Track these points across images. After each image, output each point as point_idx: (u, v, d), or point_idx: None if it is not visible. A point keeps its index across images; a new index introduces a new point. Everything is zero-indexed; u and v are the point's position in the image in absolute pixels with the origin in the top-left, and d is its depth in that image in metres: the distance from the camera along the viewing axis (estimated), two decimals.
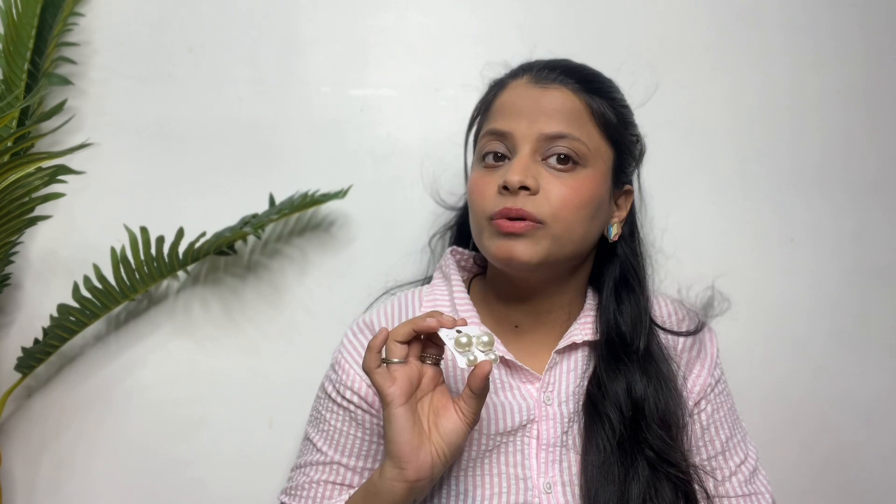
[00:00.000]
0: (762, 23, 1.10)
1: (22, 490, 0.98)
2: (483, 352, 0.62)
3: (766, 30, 1.10)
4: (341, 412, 0.77)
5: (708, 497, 0.74)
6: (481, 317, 0.79)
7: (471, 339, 0.62)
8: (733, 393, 0.83)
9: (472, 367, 0.61)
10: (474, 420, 0.63)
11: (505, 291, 0.78)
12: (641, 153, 0.83)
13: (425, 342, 0.65)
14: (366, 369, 0.62)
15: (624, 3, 1.08)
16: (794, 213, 1.10)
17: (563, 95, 0.72)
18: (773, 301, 1.09)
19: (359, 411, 0.76)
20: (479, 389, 0.61)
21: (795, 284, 1.10)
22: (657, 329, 0.79)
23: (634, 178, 0.81)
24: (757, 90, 1.10)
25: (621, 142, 0.76)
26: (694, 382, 0.79)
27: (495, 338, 0.67)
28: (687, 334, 0.80)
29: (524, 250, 0.69)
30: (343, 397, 0.76)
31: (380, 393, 0.61)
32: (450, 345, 0.62)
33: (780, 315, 1.09)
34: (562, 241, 0.70)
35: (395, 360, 0.62)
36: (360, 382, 0.76)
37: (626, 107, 0.79)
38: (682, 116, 1.08)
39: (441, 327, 0.62)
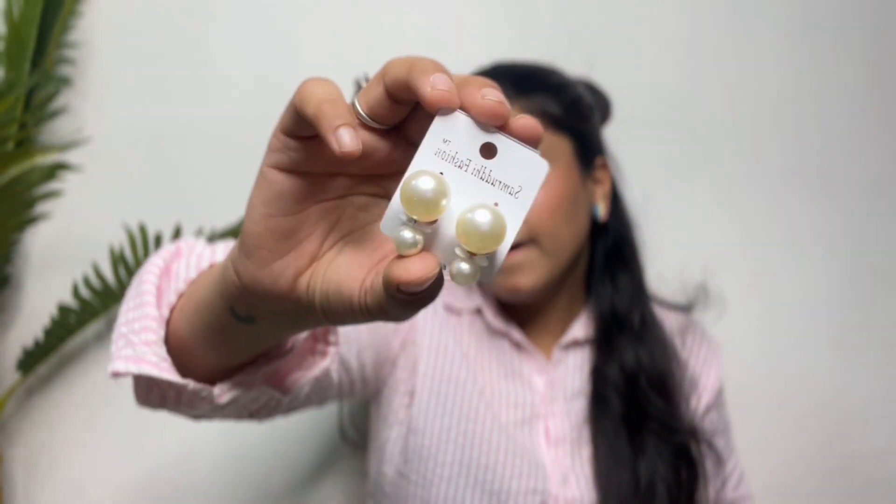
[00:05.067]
0: (763, 19, 1.10)
1: (22, 490, 0.98)
2: (462, 255, 0.28)
3: (767, 26, 1.10)
4: None
5: (718, 456, 0.74)
6: None
7: (444, 190, 0.27)
8: (732, 394, 0.83)
9: (397, 250, 0.28)
10: (372, 313, 0.31)
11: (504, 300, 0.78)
12: (605, 116, 0.80)
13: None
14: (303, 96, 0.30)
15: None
16: (793, 213, 1.09)
17: None
18: (772, 302, 1.08)
19: None
20: (390, 293, 0.29)
21: (795, 285, 1.09)
22: (652, 305, 0.79)
23: (606, 145, 0.78)
24: (757, 89, 1.09)
25: (574, 127, 0.73)
26: (698, 401, 0.78)
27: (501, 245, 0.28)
28: (681, 309, 0.82)
29: (526, 280, 0.69)
30: None
31: (282, 129, 0.33)
32: (416, 163, 0.28)
33: (779, 316, 1.08)
34: (555, 252, 0.70)
35: (365, 114, 0.30)
36: None
37: (569, 85, 0.74)
38: (681, 114, 1.07)
39: (453, 107, 0.27)
